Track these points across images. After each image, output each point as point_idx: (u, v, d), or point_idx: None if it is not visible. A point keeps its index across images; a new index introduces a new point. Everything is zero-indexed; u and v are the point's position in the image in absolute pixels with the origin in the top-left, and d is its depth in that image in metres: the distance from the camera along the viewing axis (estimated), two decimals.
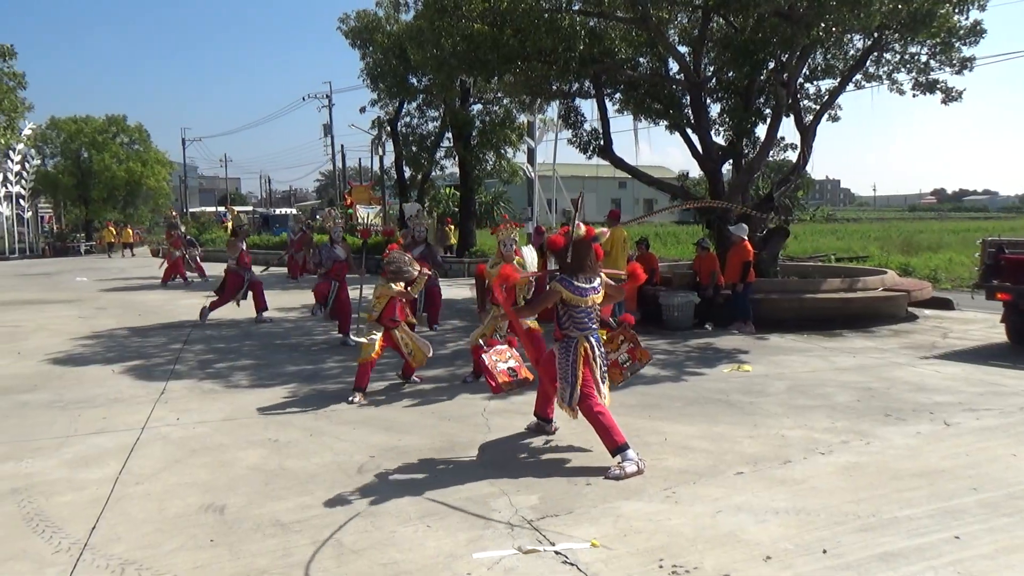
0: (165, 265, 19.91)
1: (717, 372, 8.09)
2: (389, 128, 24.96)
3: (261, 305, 12.08)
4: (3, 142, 27.54)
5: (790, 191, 14.17)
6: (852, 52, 13.29)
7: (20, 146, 33.23)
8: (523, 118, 21.84)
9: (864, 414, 6.27)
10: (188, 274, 19.85)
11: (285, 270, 20.12)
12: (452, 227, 23.74)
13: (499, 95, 21.02)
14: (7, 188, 33.12)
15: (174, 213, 22.33)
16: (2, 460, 5.37)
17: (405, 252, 7.68)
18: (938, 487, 4.58)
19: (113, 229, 36.50)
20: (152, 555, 3.83)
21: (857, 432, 5.75)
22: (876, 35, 11.56)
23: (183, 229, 20.83)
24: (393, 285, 7.19)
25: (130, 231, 37.18)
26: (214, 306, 12.02)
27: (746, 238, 11.05)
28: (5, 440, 5.86)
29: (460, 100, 22.10)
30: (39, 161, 37.66)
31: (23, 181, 33.93)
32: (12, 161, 33.04)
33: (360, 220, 24.63)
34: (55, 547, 3.94)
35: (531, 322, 7.14)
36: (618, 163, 13.66)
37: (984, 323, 10.94)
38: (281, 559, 3.77)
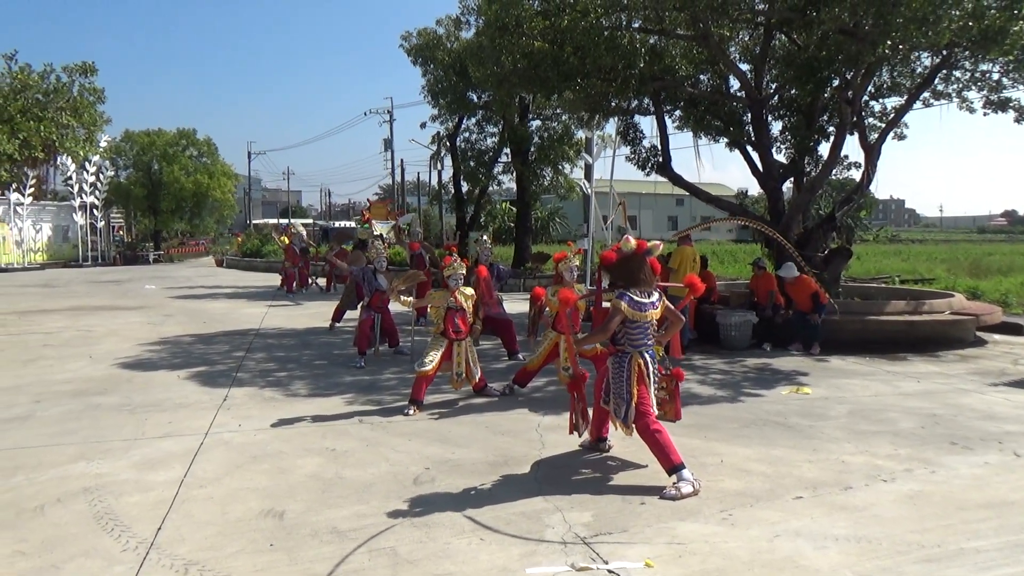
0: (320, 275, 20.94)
1: (775, 394, 7.95)
2: (448, 143, 25.30)
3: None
4: (82, 154, 28.72)
5: (853, 211, 13.87)
6: (920, 70, 12.97)
7: (96, 158, 34.63)
8: (581, 134, 21.88)
9: (929, 441, 6.09)
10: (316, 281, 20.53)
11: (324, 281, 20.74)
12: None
13: (558, 111, 21.14)
14: (82, 198, 34.52)
15: (297, 227, 22.53)
16: (75, 460, 5.59)
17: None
18: (1007, 520, 4.42)
19: (239, 239, 37.76)
20: (214, 557, 3.95)
21: (921, 460, 5.59)
22: (945, 53, 11.27)
23: (301, 234, 21.13)
24: (441, 292, 7.27)
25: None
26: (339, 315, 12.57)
27: (798, 274, 10.66)
28: (78, 441, 6.11)
29: (519, 116, 22.30)
30: (113, 173, 39.13)
31: (97, 192, 35.33)
32: (88, 172, 34.44)
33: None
34: (123, 545, 4.09)
35: (600, 345, 7.13)
36: (676, 180, 13.58)
37: None
38: (338, 566, 3.84)
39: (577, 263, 7.58)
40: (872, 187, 13.25)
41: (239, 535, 4.22)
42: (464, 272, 7.50)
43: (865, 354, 10.24)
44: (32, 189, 32.79)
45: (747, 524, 4.35)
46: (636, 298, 5.06)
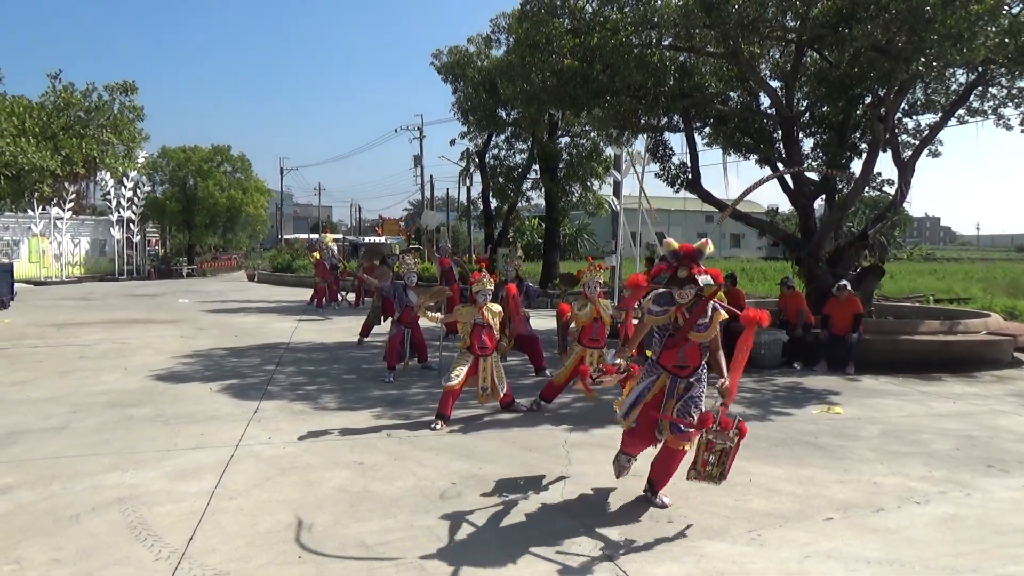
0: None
1: (806, 413, 7.85)
2: (477, 160, 25.46)
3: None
4: (121, 170, 29.32)
5: (886, 228, 13.71)
6: (954, 87, 12.84)
7: (133, 174, 35.30)
8: (610, 151, 21.90)
9: (964, 464, 5.97)
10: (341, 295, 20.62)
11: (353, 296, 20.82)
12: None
13: (587, 128, 21.18)
14: (120, 213, 35.23)
15: (327, 242, 22.45)
16: (109, 470, 5.69)
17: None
18: None
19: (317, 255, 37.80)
20: (244, 568, 3.99)
21: (956, 482, 5.48)
22: (981, 70, 11.15)
23: (332, 250, 21.18)
24: (468, 309, 7.30)
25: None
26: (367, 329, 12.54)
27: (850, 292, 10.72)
28: (112, 451, 6.22)
29: (548, 133, 22.39)
30: (149, 188, 39.84)
31: (134, 207, 36.03)
32: (126, 188, 35.17)
33: None
34: (156, 555, 4.16)
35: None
36: (706, 197, 13.53)
37: None
38: None
39: (602, 279, 7.59)
40: (906, 204, 13.11)
41: (268, 547, 4.26)
42: (492, 288, 7.53)
43: (898, 374, 10.08)
44: (72, 204, 33.50)
45: (776, 545, 4.30)
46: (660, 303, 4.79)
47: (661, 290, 4.83)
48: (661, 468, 4.99)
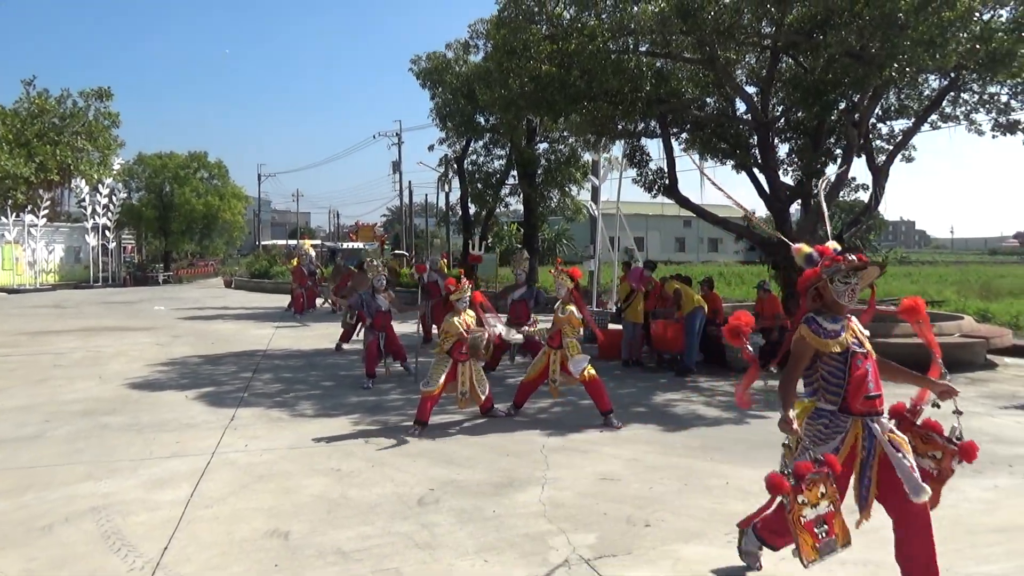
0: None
1: None
2: (456, 165, 25.45)
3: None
4: (96, 177, 28.99)
5: (861, 232, 13.88)
6: (927, 92, 13.02)
7: (109, 180, 34.93)
8: (588, 156, 22.02)
9: None
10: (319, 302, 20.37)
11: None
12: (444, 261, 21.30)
13: (565, 134, 21.26)
14: (95, 220, 34.83)
15: (306, 248, 22.06)
16: (83, 480, 5.62)
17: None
18: (1017, 544, 4.40)
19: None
20: None
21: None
22: (953, 75, 11.32)
23: (310, 256, 20.92)
24: (456, 321, 7.28)
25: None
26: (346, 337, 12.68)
27: None
28: (86, 460, 6.14)
29: (526, 139, 22.44)
30: (125, 195, 39.40)
31: (109, 214, 35.63)
32: (101, 195, 34.78)
33: None
34: (130, 565, 4.10)
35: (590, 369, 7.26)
36: (683, 202, 13.60)
37: None
38: None
39: (569, 283, 7.64)
40: (881, 209, 13.29)
41: (244, 555, 4.23)
42: (470, 295, 7.56)
43: None
44: (46, 211, 33.08)
45: None
46: (826, 325, 3.79)
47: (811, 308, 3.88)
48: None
